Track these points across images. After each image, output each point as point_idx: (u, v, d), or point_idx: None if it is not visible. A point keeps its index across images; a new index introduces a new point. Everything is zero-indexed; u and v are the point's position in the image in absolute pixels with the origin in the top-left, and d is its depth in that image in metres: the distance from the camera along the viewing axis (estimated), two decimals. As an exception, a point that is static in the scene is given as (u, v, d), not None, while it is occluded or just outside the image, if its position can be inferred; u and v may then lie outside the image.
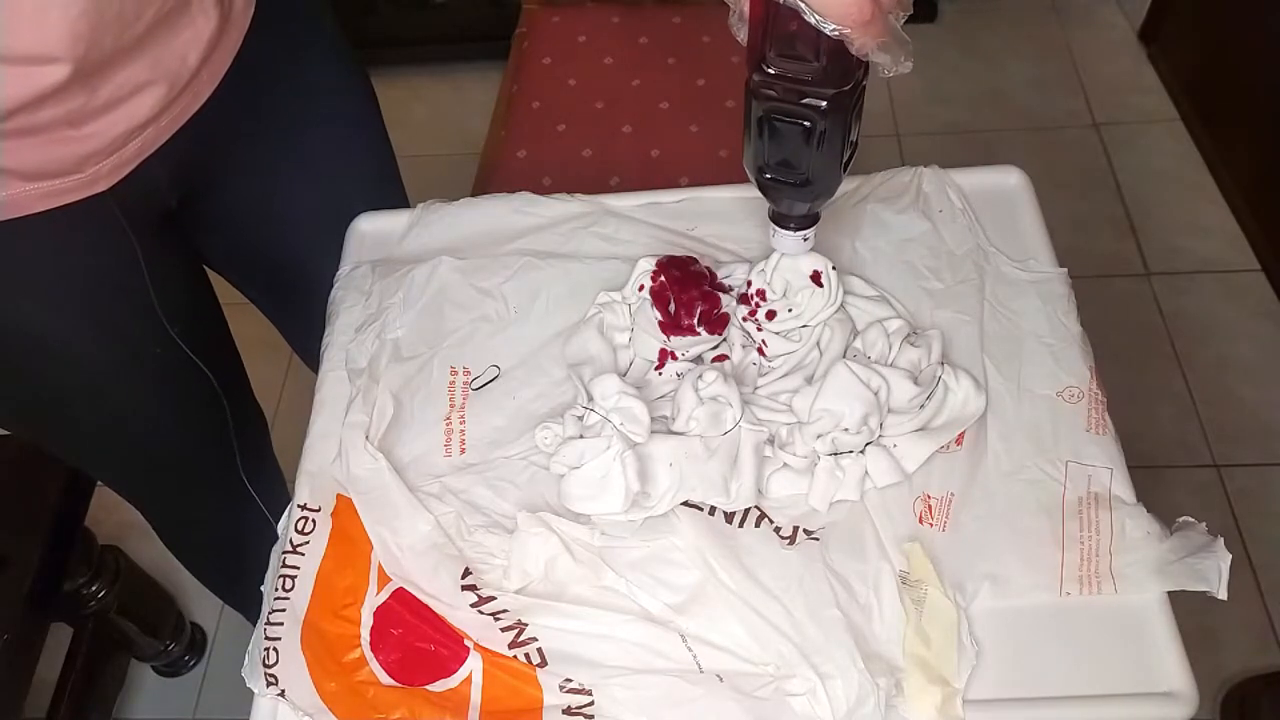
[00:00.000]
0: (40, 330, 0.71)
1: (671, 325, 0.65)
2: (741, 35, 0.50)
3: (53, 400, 0.78)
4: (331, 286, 0.75)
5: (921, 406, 0.61)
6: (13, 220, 0.63)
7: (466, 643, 0.56)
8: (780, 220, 0.60)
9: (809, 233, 0.60)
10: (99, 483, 1.14)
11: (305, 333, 0.84)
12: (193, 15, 0.65)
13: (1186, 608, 0.55)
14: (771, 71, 0.50)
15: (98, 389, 0.78)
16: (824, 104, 0.50)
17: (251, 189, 0.83)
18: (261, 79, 0.75)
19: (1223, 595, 0.53)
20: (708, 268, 0.69)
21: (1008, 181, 0.75)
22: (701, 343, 0.65)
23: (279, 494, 1.01)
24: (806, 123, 0.51)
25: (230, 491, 0.96)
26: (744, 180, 0.75)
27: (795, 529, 0.59)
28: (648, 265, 0.68)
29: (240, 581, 0.83)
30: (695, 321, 0.65)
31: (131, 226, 0.71)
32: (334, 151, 0.86)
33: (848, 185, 0.73)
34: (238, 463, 0.95)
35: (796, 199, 0.58)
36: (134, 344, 0.77)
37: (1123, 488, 0.59)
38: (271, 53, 0.75)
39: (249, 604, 0.65)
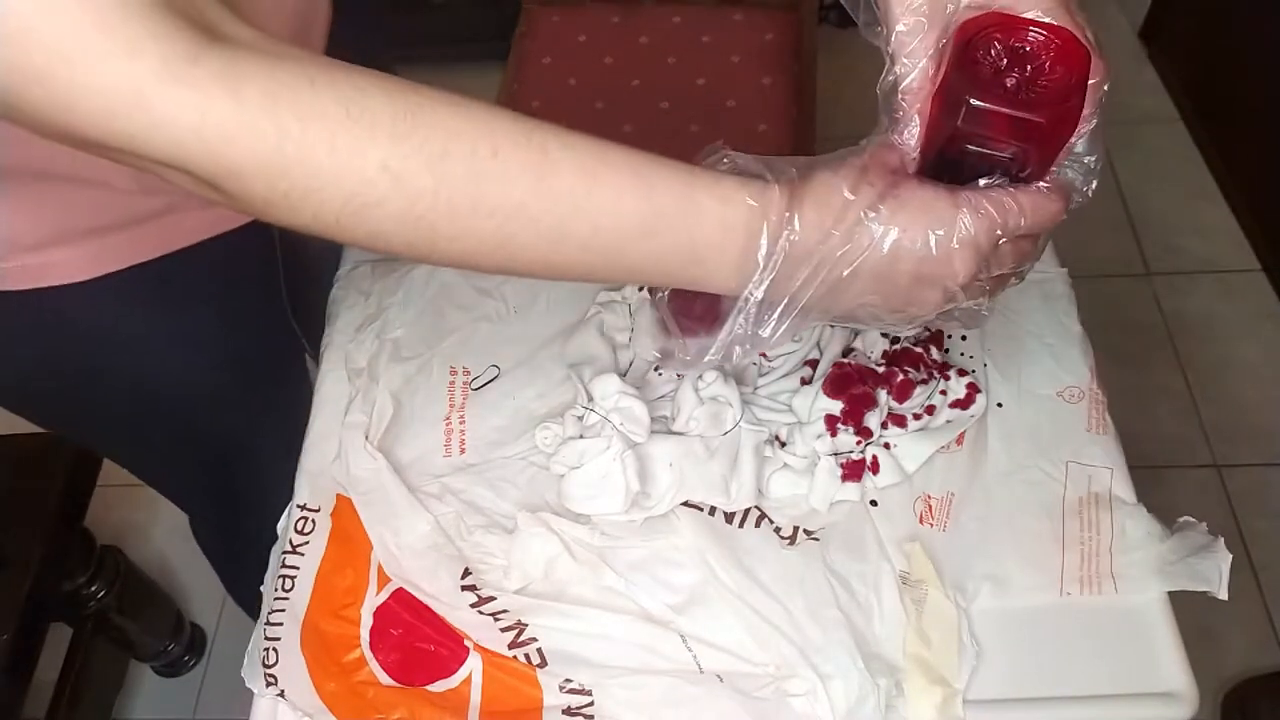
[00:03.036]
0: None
1: None
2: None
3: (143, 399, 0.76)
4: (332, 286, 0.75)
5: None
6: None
7: (466, 643, 0.56)
8: None
9: None
10: (96, 485, 1.14)
11: (311, 328, 0.84)
12: (317, 3, 0.66)
13: (1186, 608, 0.55)
14: None
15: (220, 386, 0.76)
16: None
17: None
18: None
19: (1223, 595, 0.53)
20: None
21: (1008, 181, 0.75)
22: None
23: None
24: None
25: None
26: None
27: (795, 529, 0.58)
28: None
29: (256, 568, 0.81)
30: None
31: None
32: None
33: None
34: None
35: None
36: (259, 332, 0.76)
37: (1123, 488, 0.59)
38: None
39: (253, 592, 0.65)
